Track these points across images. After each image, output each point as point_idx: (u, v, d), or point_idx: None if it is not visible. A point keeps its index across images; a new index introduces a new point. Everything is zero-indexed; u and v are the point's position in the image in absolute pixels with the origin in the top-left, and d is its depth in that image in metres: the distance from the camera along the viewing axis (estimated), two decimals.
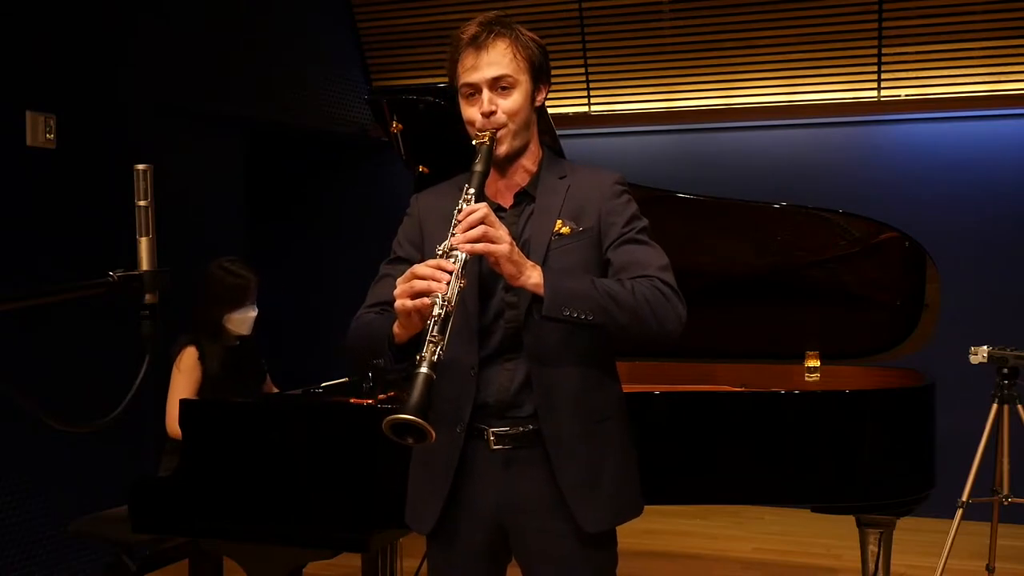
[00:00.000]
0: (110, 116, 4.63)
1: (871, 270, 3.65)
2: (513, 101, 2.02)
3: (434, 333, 1.80)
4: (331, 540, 2.88)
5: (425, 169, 3.24)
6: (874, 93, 5.71)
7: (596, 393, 2.07)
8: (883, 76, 5.67)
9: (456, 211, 1.92)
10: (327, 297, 6.76)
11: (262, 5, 5.70)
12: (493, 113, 2.01)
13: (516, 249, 1.92)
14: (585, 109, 6.20)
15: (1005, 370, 3.93)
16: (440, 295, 1.81)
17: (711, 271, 3.70)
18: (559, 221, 2.05)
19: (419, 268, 1.86)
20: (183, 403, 3.08)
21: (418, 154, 3.24)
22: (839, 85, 5.76)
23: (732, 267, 3.69)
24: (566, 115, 6.16)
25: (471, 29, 2.02)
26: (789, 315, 3.69)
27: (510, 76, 2.01)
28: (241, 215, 5.74)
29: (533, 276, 1.92)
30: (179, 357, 3.48)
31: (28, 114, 4.23)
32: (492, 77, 2.01)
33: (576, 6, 5.99)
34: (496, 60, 2.01)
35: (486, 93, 2.01)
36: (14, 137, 4.19)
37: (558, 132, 3.20)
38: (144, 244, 1.64)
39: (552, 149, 3.19)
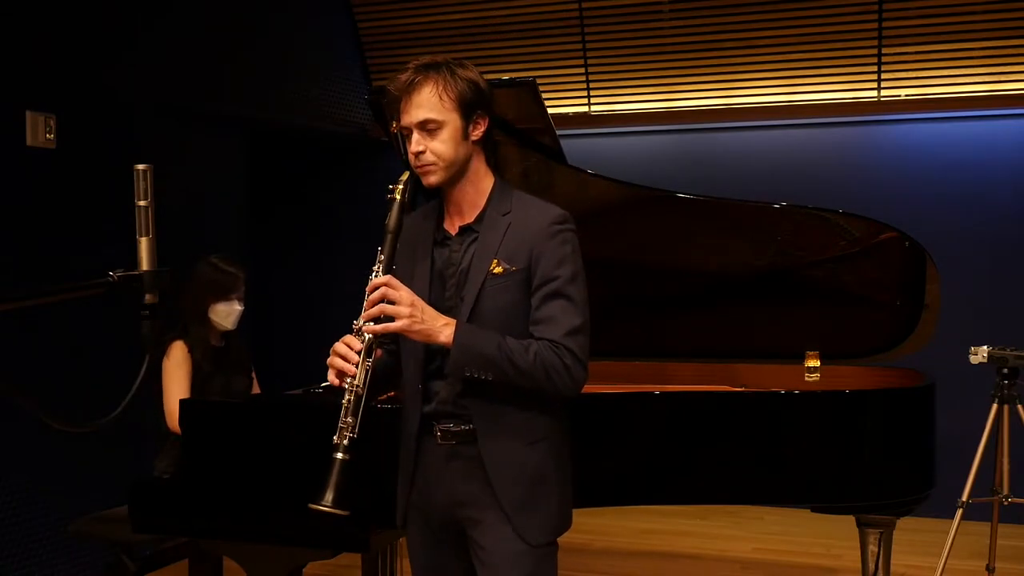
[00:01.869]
0: (110, 116, 4.63)
1: (871, 270, 3.65)
2: (440, 140, 2.14)
3: (345, 419, 2.05)
4: (331, 540, 2.88)
5: None
6: (874, 93, 5.71)
7: (534, 416, 2.17)
8: (883, 76, 5.66)
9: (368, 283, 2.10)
10: (327, 297, 6.75)
11: (262, 5, 5.70)
12: (422, 153, 2.15)
13: (419, 316, 2.07)
14: (585, 109, 6.20)
15: (1005, 370, 3.93)
16: (350, 378, 2.06)
17: (711, 271, 3.70)
18: (495, 260, 2.15)
19: (338, 346, 2.10)
20: (183, 403, 3.08)
21: None
22: (839, 85, 5.76)
23: (732, 267, 3.69)
24: (566, 115, 6.16)
25: (402, 76, 2.15)
26: (789, 315, 3.68)
27: (434, 119, 2.12)
28: (241, 215, 5.74)
29: (442, 336, 2.08)
30: (168, 352, 3.49)
31: (28, 114, 4.22)
32: (417, 121, 2.13)
33: (576, 6, 5.99)
34: (421, 103, 2.13)
35: (415, 135, 2.15)
36: (14, 137, 4.19)
37: (558, 132, 3.20)
38: (144, 244, 1.65)
39: (552, 149, 3.20)
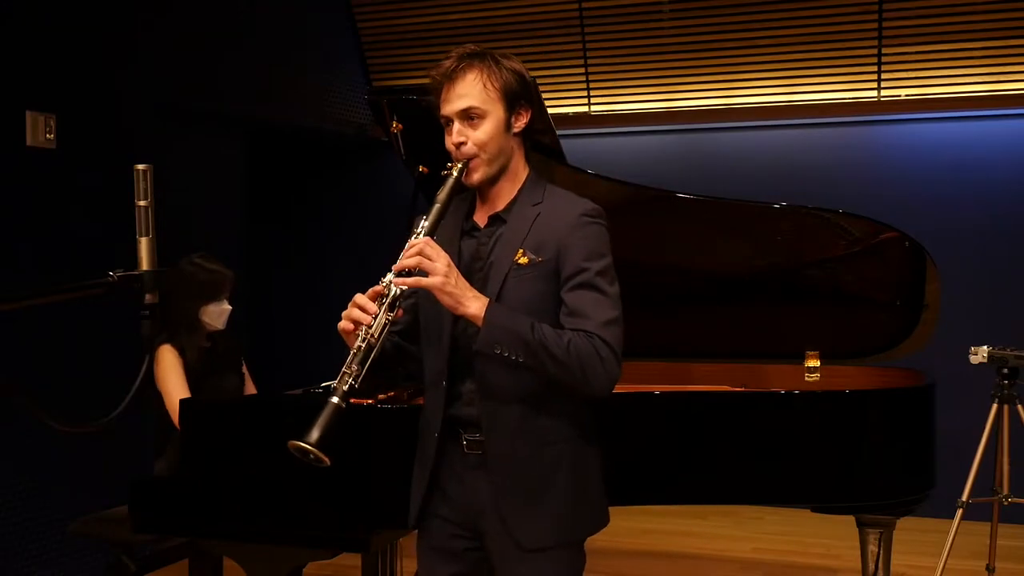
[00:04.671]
0: (110, 116, 4.63)
1: (871, 270, 3.65)
2: (483, 131, 2.08)
3: (351, 365, 1.94)
4: (331, 540, 2.88)
5: (425, 169, 3.24)
6: (874, 93, 5.71)
7: (545, 416, 2.10)
8: (883, 76, 5.67)
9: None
10: (326, 297, 6.75)
11: (262, 5, 5.70)
12: (463, 144, 2.08)
13: (453, 280, 1.98)
14: (585, 109, 6.20)
15: (1005, 370, 3.93)
16: (364, 327, 1.96)
17: (711, 271, 3.70)
18: (520, 251, 2.08)
19: (358, 297, 2.01)
20: (182, 403, 3.08)
21: (418, 154, 3.24)
22: (839, 85, 5.76)
23: (732, 267, 3.69)
24: (566, 115, 6.16)
25: (446, 63, 2.10)
26: (789, 315, 3.68)
27: (478, 107, 2.07)
28: (241, 215, 5.74)
29: (472, 307, 1.99)
30: (157, 358, 3.46)
31: (28, 114, 4.23)
32: (460, 109, 2.08)
33: (576, 6, 5.99)
34: (465, 92, 2.07)
35: (456, 124, 2.09)
36: (14, 137, 4.19)
37: (558, 132, 3.20)
38: (144, 244, 1.65)
39: (552, 149, 3.20)
